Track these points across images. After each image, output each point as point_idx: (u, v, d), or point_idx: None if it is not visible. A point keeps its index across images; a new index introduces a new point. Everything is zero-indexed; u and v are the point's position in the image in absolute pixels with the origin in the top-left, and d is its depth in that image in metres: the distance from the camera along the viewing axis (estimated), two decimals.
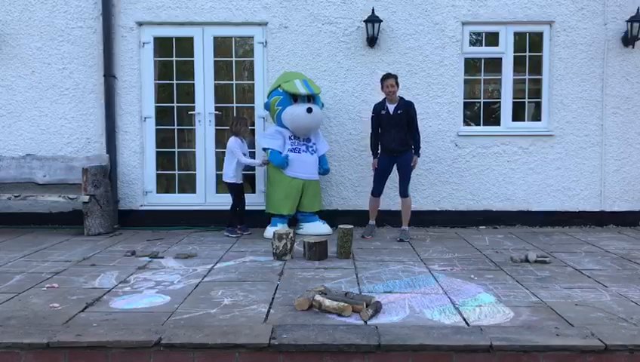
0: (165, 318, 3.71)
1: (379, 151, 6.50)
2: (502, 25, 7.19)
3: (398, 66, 7.15)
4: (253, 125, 7.32)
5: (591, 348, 3.24)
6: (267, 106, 6.73)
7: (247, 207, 6.93)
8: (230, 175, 6.64)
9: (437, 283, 4.55)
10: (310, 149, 6.65)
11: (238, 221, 6.79)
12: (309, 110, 6.36)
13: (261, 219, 6.92)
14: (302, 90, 6.45)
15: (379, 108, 6.38)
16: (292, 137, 6.63)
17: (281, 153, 6.55)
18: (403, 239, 6.28)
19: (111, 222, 6.94)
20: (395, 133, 6.28)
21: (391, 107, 6.29)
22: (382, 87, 6.32)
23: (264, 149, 6.73)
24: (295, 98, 6.51)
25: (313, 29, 7.14)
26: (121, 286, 4.50)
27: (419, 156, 6.43)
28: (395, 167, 6.44)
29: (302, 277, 4.76)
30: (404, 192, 6.39)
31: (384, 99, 6.37)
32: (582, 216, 7.28)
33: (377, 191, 6.50)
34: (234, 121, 6.72)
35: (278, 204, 6.60)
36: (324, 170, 6.73)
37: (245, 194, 6.91)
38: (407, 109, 6.27)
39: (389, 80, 6.23)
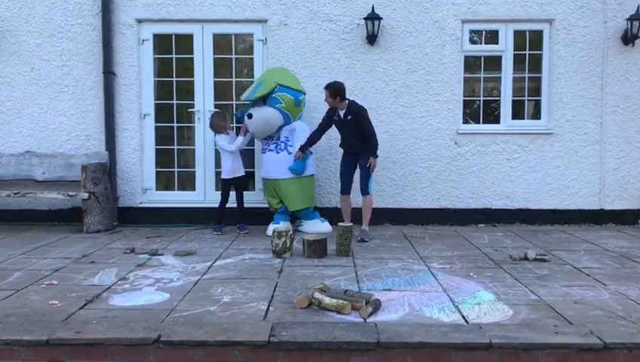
0: (164, 315, 3.71)
1: (310, 150, 6.50)
2: (502, 23, 7.18)
3: (398, 64, 7.15)
4: None
5: (590, 346, 3.25)
6: None
7: (246, 205, 6.92)
8: (223, 171, 6.69)
9: (436, 281, 4.56)
10: (277, 148, 6.58)
11: (238, 219, 6.77)
12: (249, 116, 6.42)
13: (261, 216, 6.92)
14: (243, 96, 6.64)
15: (331, 113, 6.32)
16: (263, 138, 6.70)
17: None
18: (364, 239, 6.17)
19: (110, 219, 6.94)
20: (350, 138, 6.30)
21: (341, 113, 6.26)
22: None
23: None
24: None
25: (313, 26, 7.13)
26: (120, 283, 4.50)
27: (375, 157, 6.19)
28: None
29: (301, 274, 4.76)
30: (363, 190, 6.29)
31: None
32: (581, 214, 7.29)
33: (344, 188, 6.43)
34: (210, 120, 6.72)
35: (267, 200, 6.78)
36: (289, 169, 6.46)
37: (244, 192, 6.88)
38: (355, 115, 6.16)
39: (324, 91, 6.22)
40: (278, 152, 6.58)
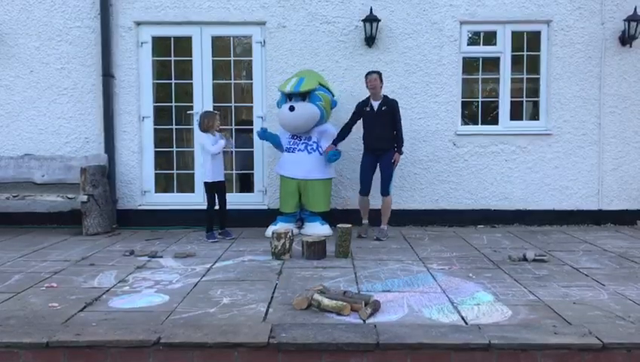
0: (164, 317, 3.71)
1: (337, 148, 6.52)
2: (500, 24, 7.20)
3: (397, 66, 7.16)
4: (252, 124, 7.33)
5: (589, 347, 3.26)
6: (277, 104, 6.79)
7: (246, 207, 6.91)
8: (206, 173, 6.38)
9: (435, 282, 4.56)
10: (309, 148, 6.60)
11: (219, 224, 6.50)
12: (291, 108, 6.38)
13: (260, 218, 6.93)
14: (287, 88, 6.45)
15: (362, 105, 6.42)
16: (291, 136, 6.66)
17: (278, 137, 6.71)
18: (379, 238, 6.25)
19: (109, 221, 6.94)
20: (380, 132, 6.31)
21: (375, 104, 6.33)
22: (366, 84, 6.39)
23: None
24: (290, 96, 6.51)
25: (311, 28, 7.14)
26: (120, 285, 4.50)
27: (401, 153, 6.41)
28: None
29: (300, 276, 4.77)
30: (384, 191, 6.40)
31: (368, 96, 6.42)
32: (579, 214, 7.30)
33: (365, 189, 6.47)
34: (200, 118, 6.43)
35: (280, 202, 6.73)
36: (329, 160, 6.51)
37: (244, 194, 6.84)
38: (391, 106, 6.31)
39: (371, 75, 6.32)
40: (309, 152, 6.58)
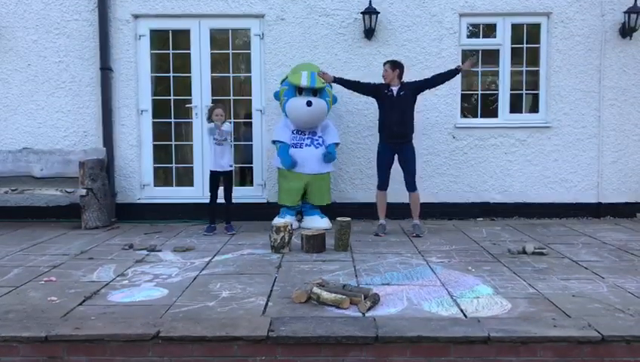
0: (163, 311, 3.71)
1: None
2: (499, 16, 7.17)
3: (396, 58, 7.08)
4: (250, 118, 7.30)
5: (588, 339, 3.26)
6: (276, 96, 6.71)
7: (246, 200, 6.88)
8: (210, 161, 6.40)
9: (435, 275, 4.56)
10: (315, 143, 6.56)
11: (225, 218, 6.45)
12: (309, 103, 6.32)
13: (259, 212, 6.92)
14: (304, 82, 6.36)
15: (383, 86, 6.15)
16: (295, 131, 6.59)
17: (289, 147, 6.49)
18: (419, 234, 6.12)
19: (108, 215, 6.93)
20: (398, 118, 6.09)
21: (394, 88, 6.11)
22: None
23: (273, 142, 6.67)
24: (300, 90, 6.46)
25: (310, 20, 7.11)
26: (119, 279, 4.50)
27: None
28: (396, 160, 6.27)
29: (300, 269, 4.77)
30: (411, 187, 6.24)
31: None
32: (579, 207, 7.29)
33: (384, 184, 6.31)
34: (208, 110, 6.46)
35: (282, 196, 6.66)
36: (327, 153, 6.48)
37: (243, 188, 6.82)
38: (410, 89, 6.10)
39: (384, 66, 6.17)
40: (317, 147, 6.55)
